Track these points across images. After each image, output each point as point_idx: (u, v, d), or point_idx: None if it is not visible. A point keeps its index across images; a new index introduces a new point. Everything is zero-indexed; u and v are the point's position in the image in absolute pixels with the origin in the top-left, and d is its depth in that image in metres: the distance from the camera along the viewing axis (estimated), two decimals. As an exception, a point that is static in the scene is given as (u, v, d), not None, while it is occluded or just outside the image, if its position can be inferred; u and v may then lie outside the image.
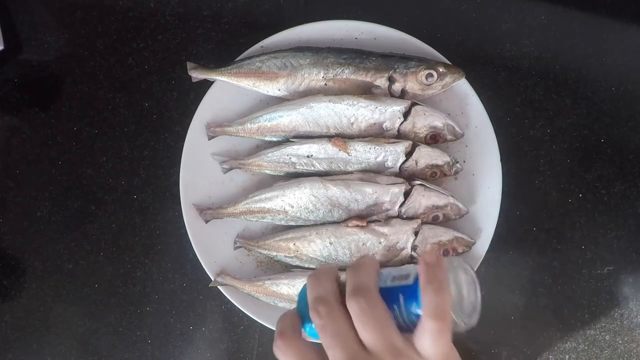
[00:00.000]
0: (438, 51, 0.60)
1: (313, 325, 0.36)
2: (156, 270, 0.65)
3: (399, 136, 0.60)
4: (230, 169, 0.61)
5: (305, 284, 0.38)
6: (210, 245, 0.61)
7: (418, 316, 0.35)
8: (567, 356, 0.65)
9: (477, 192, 0.61)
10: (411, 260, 0.59)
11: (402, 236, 0.58)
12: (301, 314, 0.38)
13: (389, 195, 0.58)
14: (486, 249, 0.60)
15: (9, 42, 0.64)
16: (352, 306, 0.35)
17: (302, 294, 0.38)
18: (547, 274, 0.65)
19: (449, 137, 0.60)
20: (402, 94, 0.60)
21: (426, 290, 0.35)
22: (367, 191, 0.58)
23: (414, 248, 0.59)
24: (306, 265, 0.61)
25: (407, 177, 0.60)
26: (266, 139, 0.61)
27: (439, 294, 0.34)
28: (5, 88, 0.65)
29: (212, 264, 0.61)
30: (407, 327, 0.35)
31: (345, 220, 0.59)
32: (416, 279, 0.35)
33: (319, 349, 0.36)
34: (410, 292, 0.35)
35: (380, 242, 0.58)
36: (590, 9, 0.65)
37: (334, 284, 0.37)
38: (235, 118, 0.61)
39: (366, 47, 0.60)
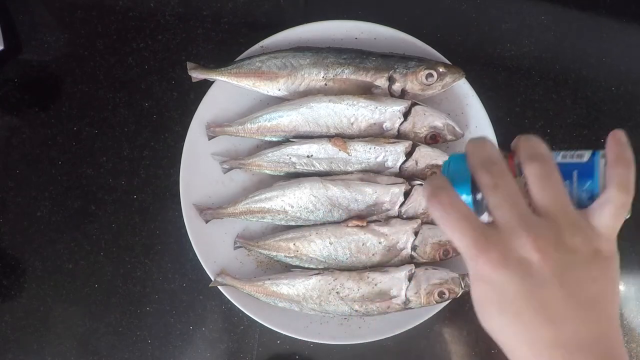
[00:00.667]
0: (438, 51, 0.60)
1: (464, 189, 0.36)
2: (156, 270, 0.65)
3: (399, 136, 0.60)
4: (230, 169, 0.61)
5: (452, 155, 0.38)
6: (210, 245, 0.61)
7: (591, 195, 0.35)
8: (567, 356, 0.65)
9: (477, 192, 0.61)
10: (411, 260, 0.59)
11: (402, 236, 0.58)
12: (451, 179, 0.36)
13: (389, 195, 0.58)
14: (486, 249, 0.60)
15: (9, 42, 0.64)
16: (530, 168, 0.35)
17: (455, 159, 0.38)
18: (547, 274, 0.65)
19: (449, 137, 0.60)
20: (402, 94, 0.60)
21: (617, 163, 0.35)
22: (367, 191, 0.58)
23: (414, 248, 0.59)
24: (306, 265, 0.61)
25: (407, 177, 0.60)
26: (266, 139, 0.61)
27: (629, 168, 0.35)
28: (5, 88, 0.65)
29: (212, 264, 0.61)
30: (576, 204, 0.36)
31: (345, 220, 0.59)
32: (592, 158, 0.36)
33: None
34: (586, 169, 0.36)
35: (380, 242, 0.58)
36: (590, 9, 0.65)
37: (501, 153, 0.36)
38: (235, 118, 0.61)
39: (366, 47, 0.60)
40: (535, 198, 0.34)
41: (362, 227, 0.58)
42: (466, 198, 0.36)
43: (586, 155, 0.37)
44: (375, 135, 0.60)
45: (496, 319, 0.35)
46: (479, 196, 0.36)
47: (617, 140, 0.36)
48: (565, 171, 0.36)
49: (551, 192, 0.34)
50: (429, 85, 0.59)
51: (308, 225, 0.60)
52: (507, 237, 0.33)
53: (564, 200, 0.34)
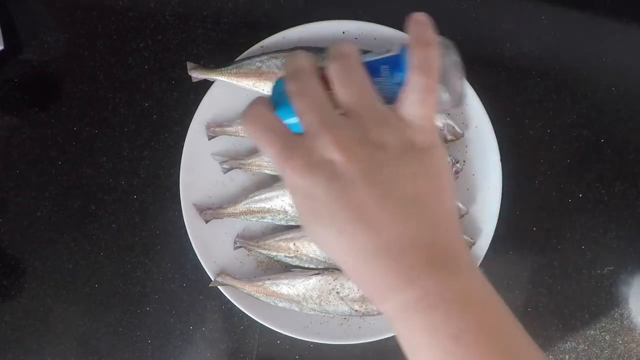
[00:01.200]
0: (438, 51, 0.60)
1: (287, 110, 0.34)
2: (156, 270, 0.65)
3: (399, 136, 0.60)
4: (230, 169, 0.61)
5: (279, 78, 0.36)
6: (210, 245, 0.61)
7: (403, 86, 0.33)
8: (567, 356, 0.65)
9: (477, 192, 0.61)
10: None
11: (402, 236, 0.58)
12: (274, 103, 0.36)
13: (389, 195, 0.58)
14: (486, 249, 0.60)
15: (9, 42, 0.64)
16: (332, 68, 0.33)
17: (280, 82, 0.36)
18: (547, 274, 0.65)
19: (449, 137, 0.60)
20: (402, 94, 0.60)
21: (415, 45, 0.33)
22: (367, 191, 0.58)
23: (414, 248, 0.59)
24: (306, 265, 0.61)
25: (407, 177, 0.60)
26: (266, 139, 0.61)
27: (428, 48, 0.33)
28: (5, 88, 0.65)
29: (212, 264, 0.61)
30: (390, 101, 0.34)
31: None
32: (401, 49, 0.34)
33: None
34: (395, 61, 0.35)
35: (380, 242, 0.58)
36: (590, 9, 0.65)
37: (313, 63, 0.35)
38: (235, 118, 0.61)
39: (366, 47, 0.60)
40: (338, 97, 0.33)
41: None
42: (294, 119, 0.34)
43: (395, 47, 0.35)
44: (375, 135, 0.60)
45: (314, 229, 0.33)
46: None
47: (416, 21, 0.35)
48: (376, 67, 0.34)
49: (353, 88, 0.33)
50: (429, 85, 0.59)
51: (308, 225, 0.60)
52: (309, 141, 0.32)
53: (368, 95, 0.33)
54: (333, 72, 0.33)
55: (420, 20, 0.35)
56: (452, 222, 0.33)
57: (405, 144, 0.32)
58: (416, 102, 0.33)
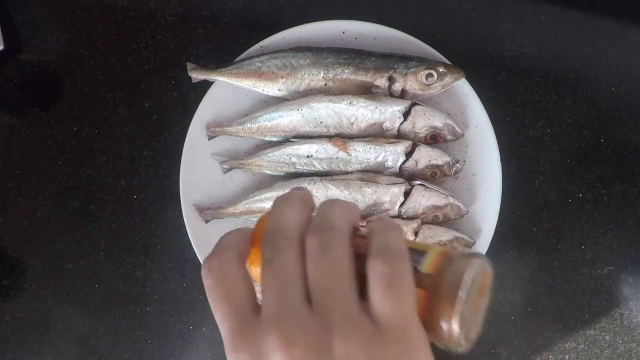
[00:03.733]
0: (438, 51, 0.60)
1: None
2: (156, 270, 0.65)
3: (399, 136, 0.60)
4: (230, 169, 0.61)
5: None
6: (210, 245, 0.60)
7: None
8: (567, 356, 0.65)
9: (477, 192, 0.61)
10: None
11: (402, 236, 0.58)
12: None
13: (389, 195, 0.58)
14: (486, 249, 0.60)
15: (9, 42, 0.64)
16: (310, 242, 0.27)
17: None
18: (547, 274, 0.65)
19: (449, 137, 0.60)
20: (402, 94, 0.60)
21: (373, 229, 0.28)
22: (367, 191, 0.58)
23: (414, 248, 0.59)
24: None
25: (407, 177, 0.60)
26: (266, 139, 0.61)
27: (391, 231, 0.28)
28: (5, 88, 0.65)
29: (212, 264, 0.60)
30: None
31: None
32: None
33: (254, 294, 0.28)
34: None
35: (380, 242, 0.58)
36: (590, 9, 0.65)
37: (307, 217, 0.29)
38: (235, 118, 0.61)
39: (366, 47, 0.60)
40: (309, 279, 0.26)
41: (362, 226, 0.58)
42: None
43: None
44: (375, 135, 0.60)
45: None
46: None
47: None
48: None
49: (327, 272, 0.26)
50: (429, 85, 0.59)
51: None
52: (262, 333, 0.25)
53: (343, 285, 0.26)
54: (311, 242, 0.27)
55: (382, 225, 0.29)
56: None
57: (375, 357, 0.25)
58: (380, 291, 0.26)
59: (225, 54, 0.63)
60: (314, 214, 0.29)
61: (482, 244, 0.60)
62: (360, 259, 0.27)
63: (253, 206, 0.60)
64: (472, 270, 0.27)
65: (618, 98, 0.65)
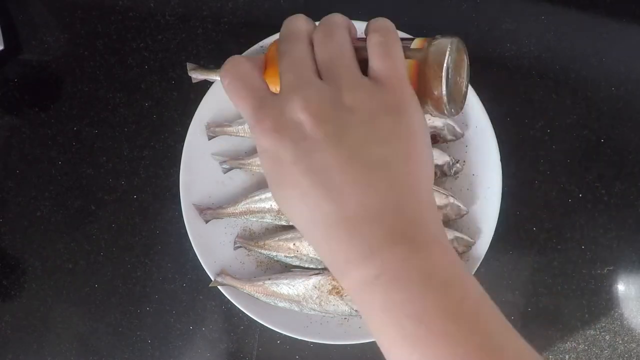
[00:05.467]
0: (438, 51, 0.60)
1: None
2: (156, 270, 0.65)
3: (399, 136, 0.60)
4: (230, 169, 0.61)
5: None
6: (210, 245, 0.61)
7: None
8: (567, 356, 0.65)
9: (477, 192, 0.61)
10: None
11: (402, 236, 0.58)
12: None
13: (389, 195, 0.58)
14: (486, 249, 0.60)
15: (9, 42, 0.64)
16: (316, 35, 0.33)
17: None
18: (547, 274, 0.65)
19: (449, 137, 0.60)
20: (402, 94, 0.60)
21: (371, 22, 0.35)
22: (367, 191, 0.58)
23: (414, 248, 0.58)
24: (306, 265, 0.61)
25: (407, 177, 0.60)
26: (266, 139, 0.61)
27: (383, 19, 0.35)
28: (5, 88, 0.65)
29: (212, 264, 0.61)
30: None
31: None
32: None
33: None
34: None
35: (380, 242, 0.58)
36: (590, 9, 0.65)
37: (313, 26, 0.35)
38: (235, 118, 0.61)
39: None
40: (317, 57, 0.32)
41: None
42: None
43: None
44: (375, 135, 0.60)
45: (279, 192, 0.32)
46: None
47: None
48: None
49: (331, 48, 0.32)
50: (429, 85, 0.59)
51: (308, 225, 0.60)
52: (282, 101, 0.31)
53: (345, 58, 0.32)
54: (316, 33, 0.33)
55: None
56: (424, 190, 0.31)
57: (377, 107, 0.31)
58: (378, 55, 0.33)
59: (225, 54, 0.63)
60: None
61: (482, 244, 0.60)
62: (361, 61, 0.34)
63: (253, 206, 0.60)
64: (453, 43, 0.34)
65: (618, 98, 0.65)
